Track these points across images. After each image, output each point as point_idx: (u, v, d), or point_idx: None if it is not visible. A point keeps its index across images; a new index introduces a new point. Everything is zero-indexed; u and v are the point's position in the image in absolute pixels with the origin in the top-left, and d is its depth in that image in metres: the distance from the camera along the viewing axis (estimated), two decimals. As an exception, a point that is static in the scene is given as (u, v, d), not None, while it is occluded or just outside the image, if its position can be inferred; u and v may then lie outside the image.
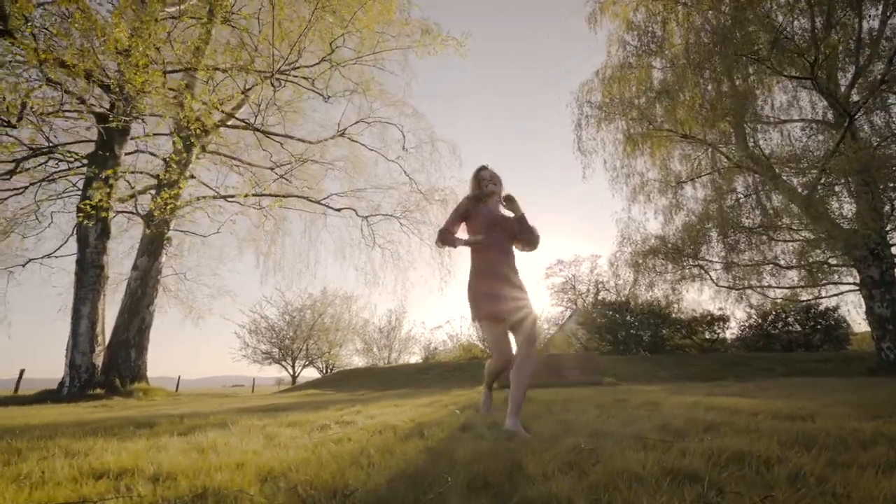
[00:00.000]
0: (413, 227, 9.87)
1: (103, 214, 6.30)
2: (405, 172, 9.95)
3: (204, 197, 8.44)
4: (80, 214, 6.43)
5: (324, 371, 22.16)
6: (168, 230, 7.67)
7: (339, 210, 9.33)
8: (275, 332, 21.36)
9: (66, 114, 6.68)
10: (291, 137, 9.18)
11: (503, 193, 2.68)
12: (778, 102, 11.44)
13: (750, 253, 12.15)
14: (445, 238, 2.54)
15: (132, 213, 8.08)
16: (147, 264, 7.50)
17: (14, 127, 5.24)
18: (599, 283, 19.94)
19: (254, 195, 8.85)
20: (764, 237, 11.72)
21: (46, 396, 6.01)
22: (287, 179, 9.93)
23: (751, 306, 14.56)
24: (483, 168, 2.75)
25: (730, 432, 1.68)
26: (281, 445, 1.68)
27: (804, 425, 1.78)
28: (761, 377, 9.55)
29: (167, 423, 2.56)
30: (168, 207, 7.05)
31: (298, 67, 8.57)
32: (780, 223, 11.42)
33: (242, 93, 7.74)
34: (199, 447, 1.63)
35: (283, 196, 8.81)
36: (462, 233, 2.69)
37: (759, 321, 14.94)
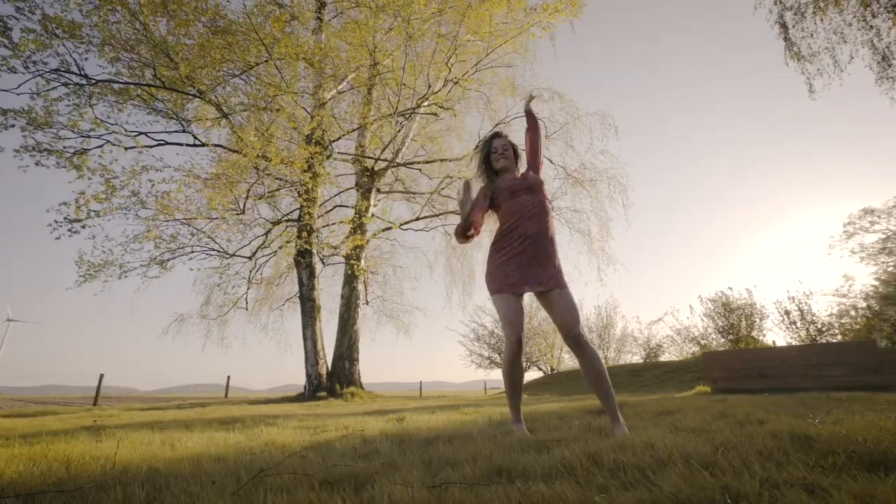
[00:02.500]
0: (559, 216, 9.02)
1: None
2: (550, 161, 9.27)
3: (383, 230, 10.09)
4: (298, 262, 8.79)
5: (547, 372, 22.24)
6: (359, 264, 9.47)
7: (484, 217, 9.54)
8: (494, 337, 22.84)
9: (285, 192, 9.23)
10: (431, 161, 9.98)
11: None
12: None
13: None
14: (457, 230, 2.22)
15: (336, 255, 10.44)
16: (348, 293, 9.48)
17: (243, 213, 7.76)
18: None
19: (417, 219, 10.03)
20: None
21: (297, 398, 8.32)
22: (446, 196, 10.82)
23: None
24: (496, 136, 2.42)
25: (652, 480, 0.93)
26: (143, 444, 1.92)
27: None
28: None
29: (250, 420, 3.24)
30: (355, 246, 8.80)
31: (428, 97, 9.33)
32: None
33: (384, 144, 8.97)
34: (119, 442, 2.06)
35: (433, 216, 9.66)
36: (491, 220, 2.42)
37: None
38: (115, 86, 7.44)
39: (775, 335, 14.52)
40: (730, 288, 15.45)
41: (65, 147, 7.50)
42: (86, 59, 7.08)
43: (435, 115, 8.26)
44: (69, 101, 7.27)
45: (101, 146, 7.63)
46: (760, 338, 14.60)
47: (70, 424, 3.42)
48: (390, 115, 8.26)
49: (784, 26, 8.13)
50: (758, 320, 14.67)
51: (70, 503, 0.98)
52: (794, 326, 13.90)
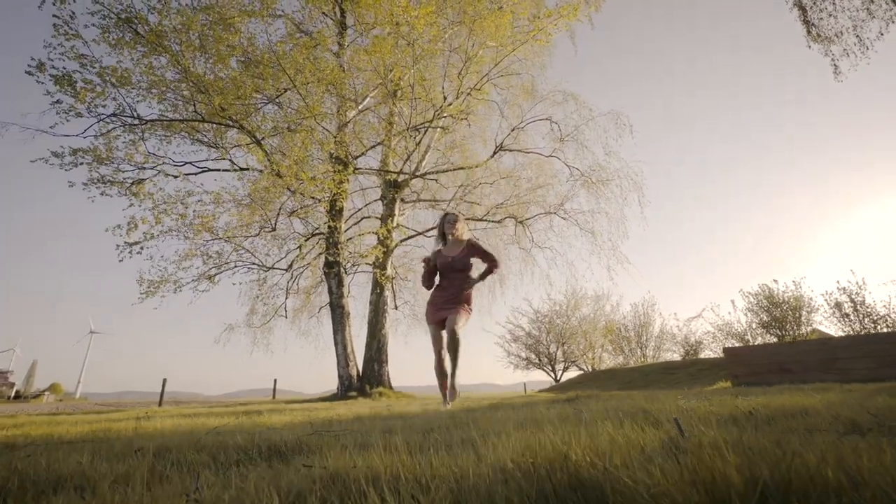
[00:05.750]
0: (570, 217, 9.11)
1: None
2: (565, 164, 9.38)
3: (403, 239, 10.61)
4: (327, 271, 9.48)
5: (586, 371, 21.92)
6: (384, 272, 10.03)
7: (499, 221, 9.77)
8: (531, 338, 22.83)
9: (313, 208, 9.94)
10: (448, 171, 10.37)
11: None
12: None
13: None
14: (427, 284, 3.76)
15: (361, 264, 11.10)
16: (376, 299, 10.05)
17: (274, 230, 8.53)
18: None
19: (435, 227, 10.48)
20: None
21: (330, 398, 8.96)
22: (469, 202, 11.21)
23: None
24: (446, 214, 3.77)
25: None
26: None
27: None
28: None
29: (267, 412, 3.77)
30: (376, 257, 9.37)
31: (443, 109, 9.74)
32: None
33: (404, 157, 9.48)
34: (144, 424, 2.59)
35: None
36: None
37: None
38: (163, 122, 8.44)
39: (826, 328, 13.63)
40: (774, 280, 14.69)
41: (124, 178, 8.56)
42: (138, 101, 8.11)
43: (444, 129, 8.66)
44: (125, 137, 8.33)
45: (154, 175, 8.66)
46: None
47: (127, 416, 4.12)
48: (405, 130, 8.76)
49: (802, 8, 7.84)
50: (806, 314, 13.85)
51: (88, 448, 1.46)
52: (846, 319, 13.02)
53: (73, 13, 7.27)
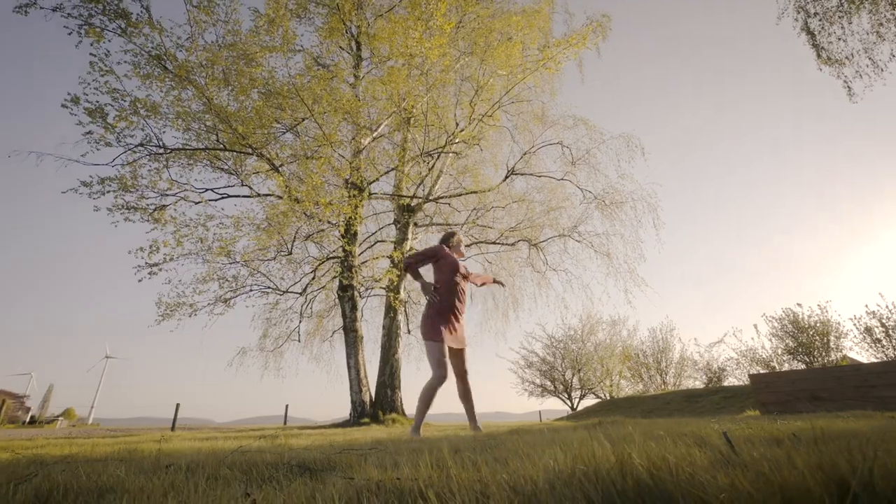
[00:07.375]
0: (584, 240, 9.06)
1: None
2: (578, 187, 9.42)
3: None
4: (341, 294, 9.51)
5: (604, 399, 21.25)
6: (397, 296, 10.03)
7: (512, 244, 9.77)
8: (546, 364, 22.33)
9: (328, 232, 10.08)
10: (461, 195, 10.48)
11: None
12: None
13: None
14: (415, 271, 3.68)
15: (380, 287, 11.13)
16: (389, 324, 10.01)
17: (290, 254, 8.65)
18: None
19: (451, 251, 10.53)
20: None
21: (342, 424, 8.82)
22: (482, 226, 11.26)
23: None
24: (456, 234, 3.97)
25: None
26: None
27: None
28: None
29: (283, 435, 3.72)
30: (393, 278, 9.40)
31: (455, 135, 9.95)
32: None
33: (417, 182, 9.64)
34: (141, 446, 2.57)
35: (469, 245, 10.09)
36: (428, 273, 3.82)
37: None
38: (186, 151, 8.76)
39: (857, 355, 13.09)
40: (798, 304, 14.29)
41: (147, 204, 8.82)
42: (164, 132, 8.45)
43: (457, 154, 8.82)
44: (150, 166, 8.64)
45: (176, 202, 8.91)
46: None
47: (144, 439, 4.11)
48: (418, 156, 8.94)
49: (811, 33, 7.92)
50: (834, 339, 13.37)
51: (116, 465, 1.45)
52: (878, 345, 12.52)
53: (108, 51, 7.70)
